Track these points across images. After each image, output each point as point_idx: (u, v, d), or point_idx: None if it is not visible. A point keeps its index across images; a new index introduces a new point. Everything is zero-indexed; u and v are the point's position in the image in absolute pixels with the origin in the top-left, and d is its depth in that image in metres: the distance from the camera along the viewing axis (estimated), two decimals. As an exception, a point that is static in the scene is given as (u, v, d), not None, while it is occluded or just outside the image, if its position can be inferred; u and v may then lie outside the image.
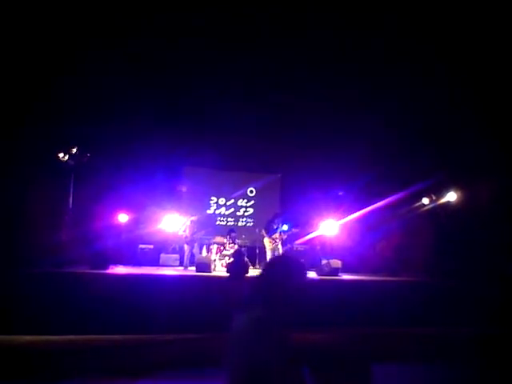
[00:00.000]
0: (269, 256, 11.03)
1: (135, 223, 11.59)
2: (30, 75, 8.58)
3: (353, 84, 9.54)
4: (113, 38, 8.17)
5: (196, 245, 10.72)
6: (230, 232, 11.07)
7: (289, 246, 11.79)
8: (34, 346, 4.32)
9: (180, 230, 10.71)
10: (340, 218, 11.97)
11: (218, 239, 11.12)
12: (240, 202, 13.55)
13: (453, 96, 9.65)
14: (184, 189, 12.19)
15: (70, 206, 10.37)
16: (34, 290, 7.00)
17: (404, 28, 8.27)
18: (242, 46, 8.84)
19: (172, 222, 10.99)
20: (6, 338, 6.30)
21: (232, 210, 13.50)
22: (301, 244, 12.05)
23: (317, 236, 11.79)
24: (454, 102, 9.80)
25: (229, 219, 13.43)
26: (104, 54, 8.43)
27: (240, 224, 13.38)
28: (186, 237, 10.52)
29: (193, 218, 10.72)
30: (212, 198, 13.36)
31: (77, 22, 7.77)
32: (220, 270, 10.05)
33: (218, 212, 13.40)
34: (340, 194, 12.56)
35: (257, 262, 11.55)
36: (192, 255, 10.52)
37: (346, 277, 10.07)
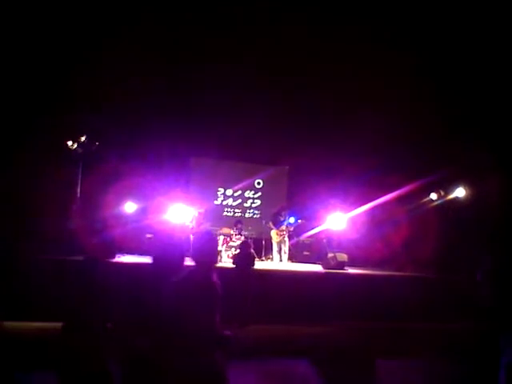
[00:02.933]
0: (275, 248, 11.04)
1: (142, 213, 11.62)
2: (41, 65, 8.61)
3: (362, 78, 9.48)
4: (122, 32, 8.18)
5: (202, 236, 10.73)
6: (236, 223, 11.08)
7: (295, 239, 11.79)
8: (42, 333, 4.37)
9: (187, 221, 10.73)
10: (347, 212, 11.93)
11: (225, 230, 11.13)
12: (247, 194, 13.53)
13: (462, 93, 9.57)
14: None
15: (78, 194, 10.42)
16: (41, 278, 7.05)
17: (411, 19, 8.21)
18: (250, 37, 8.81)
19: (178, 213, 11.01)
20: (15, 325, 6.38)
21: (239, 201, 13.49)
22: (307, 237, 12.04)
23: (323, 229, 11.76)
24: (463, 99, 9.72)
25: (236, 210, 13.43)
26: (113, 45, 8.44)
27: (247, 215, 13.38)
28: (193, 227, 10.55)
29: (200, 210, 10.73)
30: (219, 189, 13.36)
31: (86, 15, 7.79)
32: (226, 261, 10.08)
33: (225, 203, 13.40)
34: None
35: (263, 253, 11.56)
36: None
37: (352, 271, 10.05)
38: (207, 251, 3.00)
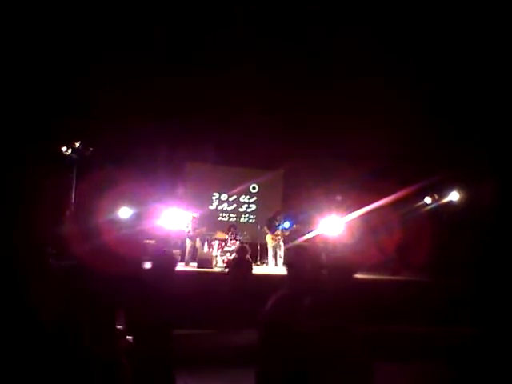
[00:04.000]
0: (270, 253, 11.01)
1: (137, 218, 11.56)
2: (36, 71, 8.59)
3: (358, 81, 9.52)
4: (117, 38, 8.19)
5: (197, 240, 10.69)
6: (230, 228, 11.06)
7: (291, 243, 11.75)
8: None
9: (182, 226, 10.71)
10: (343, 216, 11.93)
11: (220, 235, 11.10)
12: (242, 199, 13.53)
13: (457, 97, 9.63)
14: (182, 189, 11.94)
15: (72, 200, 10.36)
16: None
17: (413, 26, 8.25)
18: (247, 41, 8.83)
19: (173, 218, 10.97)
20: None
21: (234, 206, 13.48)
22: (302, 241, 11.99)
23: (319, 234, 11.74)
24: (458, 103, 9.78)
25: (231, 215, 13.41)
26: (109, 51, 8.44)
27: (242, 220, 13.37)
28: (188, 232, 10.52)
29: (194, 215, 10.71)
30: (214, 193, 13.34)
31: (80, 20, 7.80)
32: (221, 266, 10.04)
33: (220, 208, 13.39)
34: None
35: (258, 258, 11.53)
36: (193, 251, 10.51)
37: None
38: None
